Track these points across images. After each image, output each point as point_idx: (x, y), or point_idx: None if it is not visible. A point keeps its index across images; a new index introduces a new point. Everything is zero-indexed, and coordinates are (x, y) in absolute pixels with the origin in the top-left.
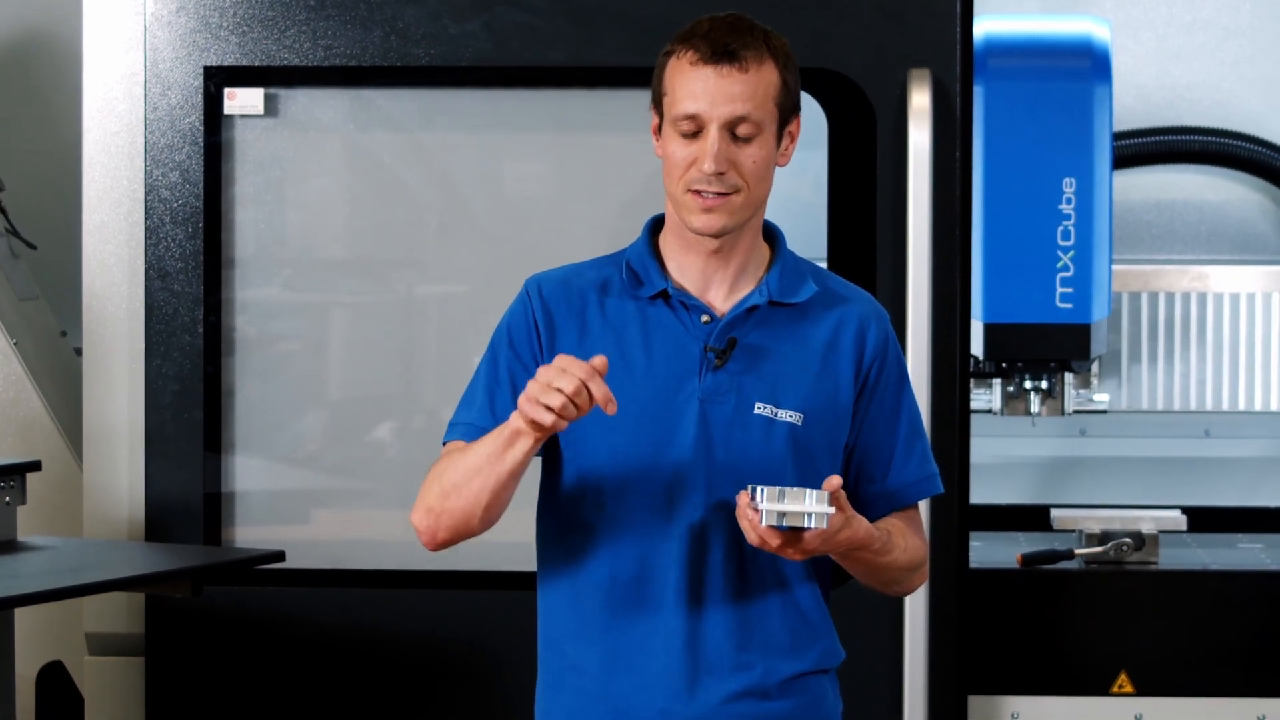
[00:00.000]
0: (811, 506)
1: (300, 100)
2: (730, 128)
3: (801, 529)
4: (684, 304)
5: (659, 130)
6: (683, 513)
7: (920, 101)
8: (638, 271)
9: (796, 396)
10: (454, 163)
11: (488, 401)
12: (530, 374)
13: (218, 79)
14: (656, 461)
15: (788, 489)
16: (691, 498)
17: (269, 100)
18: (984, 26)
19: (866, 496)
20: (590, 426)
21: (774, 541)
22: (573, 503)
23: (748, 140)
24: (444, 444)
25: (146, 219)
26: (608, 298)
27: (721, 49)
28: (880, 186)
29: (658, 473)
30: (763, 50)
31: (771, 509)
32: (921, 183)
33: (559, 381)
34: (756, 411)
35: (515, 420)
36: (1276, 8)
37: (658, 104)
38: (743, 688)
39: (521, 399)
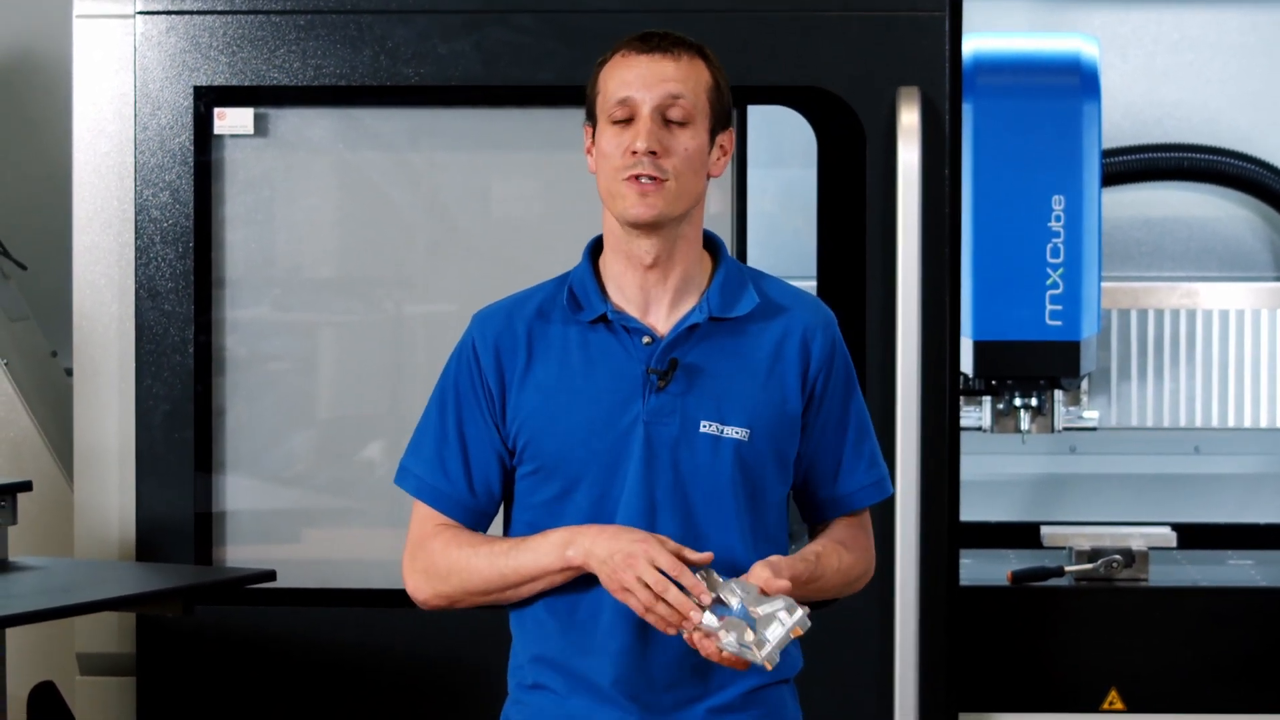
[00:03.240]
0: (779, 634)
1: (290, 120)
2: (663, 112)
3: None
4: (624, 327)
5: (592, 146)
6: None
7: (909, 119)
8: (578, 295)
9: (742, 412)
10: (443, 182)
11: (436, 457)
12: (477, 425)
13: (207, 99)
14: (605, 486)
15: (748, 615)
16: (639, 522)
17: (259, 120)
18: (973, 44)
19: (816, 501)
20: (542, 455)
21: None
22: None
23: (681, 126)
24: (397, 482)
25: (137, 239)
26: (550, 325)
27: (654, 42)
28: (869, 204)
29: (606, 498)
30: (694, 51)
31: (754, 651)
32: (910, 201)
33: (647, 578)
34: (702, 430)
35: (580, 560)
36: (1263, 26)
37: (591, 113)
38: (703, 702)
39: (614, 576)
